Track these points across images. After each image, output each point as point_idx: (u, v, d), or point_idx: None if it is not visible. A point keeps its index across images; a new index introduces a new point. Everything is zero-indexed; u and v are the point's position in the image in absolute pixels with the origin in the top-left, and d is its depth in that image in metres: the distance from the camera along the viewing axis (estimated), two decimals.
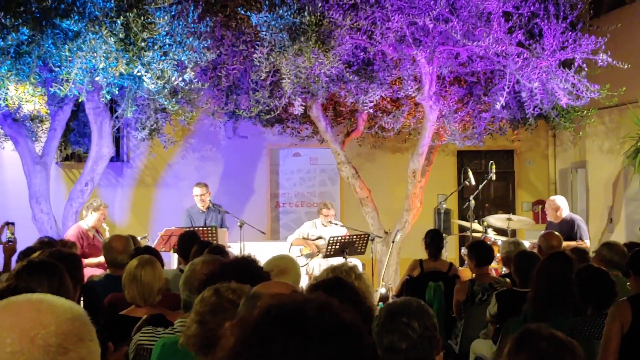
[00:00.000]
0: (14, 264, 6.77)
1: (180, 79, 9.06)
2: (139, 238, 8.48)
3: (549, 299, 5.65)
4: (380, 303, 8.34)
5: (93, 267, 8.90)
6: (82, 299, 6.31)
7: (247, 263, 3.55)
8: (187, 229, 9.14)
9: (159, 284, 5.01)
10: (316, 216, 11.84)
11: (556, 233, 8.61)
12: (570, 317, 5.45)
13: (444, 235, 9.40)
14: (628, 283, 5.70)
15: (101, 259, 9.07)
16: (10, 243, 6.80)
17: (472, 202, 11.12)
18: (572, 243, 9.71)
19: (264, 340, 1.58)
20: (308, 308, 1.62)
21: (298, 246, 11.33)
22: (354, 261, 10.09)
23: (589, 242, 10.29)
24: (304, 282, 9.28)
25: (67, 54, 8.52)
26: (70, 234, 9.58)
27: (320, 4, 9.39)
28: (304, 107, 10.82)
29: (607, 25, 10.91)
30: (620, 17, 12.09)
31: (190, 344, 3.13)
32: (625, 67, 9.73)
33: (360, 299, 3.35)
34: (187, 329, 3.15)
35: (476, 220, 11.53)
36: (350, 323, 1.64)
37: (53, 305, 1.70)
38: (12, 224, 6.95)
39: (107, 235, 9.76)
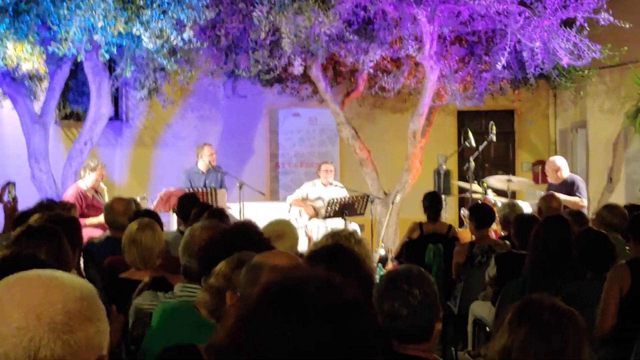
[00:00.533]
0: None
1: (179, 38, 9.00)
2: (137, 198, 8.46)
3: (547, 263, 5.65)
4: (380, 264, 8.36)
5: (93, 227, 8.90)
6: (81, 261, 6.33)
7: (247, 229, 3.54)
8: (187, 191, 9.14)
9: (159, 248, 5.01)
10: (316, 176, 11.82)
11: (556, 195, 8.60)
12: (569, 280, 5.45)
13: (443, 196, 9.39)
14: (627, 247, 5.70)
15: (101, 218, 9.06)
16: (11, 203, 6.81)
17: (472, 163, 11.09)
18: (571, 198, 9.71)
19: (261, 323, 1.56)
20: (308, 287, 1.59)
21: (297, 207, 11.31)
22: (353, 225, 10.11)
23: (586, 201, 10.27)
24: (303, 244, 9.32)
25: (66, 12, 8.46)
26: (68, 195, 9.57)
27: None
28: (303, 67, 10.77)
29: None
30: None
31: None
32: (627, 26, 9.67)
33: (361, 266, 3.34)
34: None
35: (476, 181, 11.51)
36: (353, 301, 1.61)
37: (62, 283, 1.69)
38: (13, 183, 6.95)
39: (106, 195, 9.77)
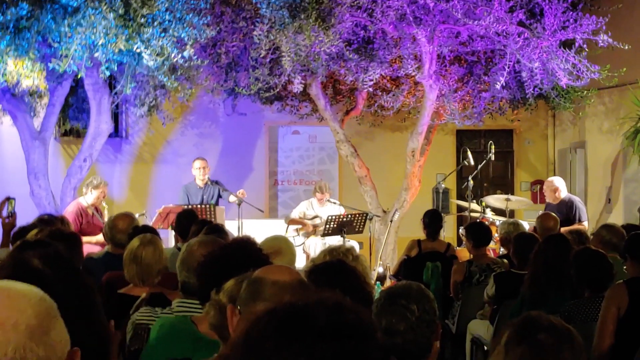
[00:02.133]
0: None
1: (180, 55, 9.04)
2: (136, 215, 8.46)
3: (546, 281, 5.67)
4: (378, 282, 8.36)
5: (91, 245, 8.88)
6: None
7: (246, 245, 3.54)
8: (185, 207, 9.14)
9: (159, 266, 5.00)
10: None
11: (552, 214, 8.61)
12: (568, 299, 5.46)
13: (442, 215, 9.40)
14: (625, 266, 5.71)
15: (99, 237, 9.06)
16: (9, 218, 6.81)
17: (471, 182, 11.11)
18: (572, 227, 9.71)
19: (270, 345, 1.53)
20: (319, 310, 1.56)
21: (294, 226, 11.30)
22: (351, 242, 10.10)
23: (587, 223, 10.28)
24: (301, 262, 9.31)
25: (67, 29, 8.50)
26: (69, 210, 9.56)
27: None
28: (303, 85, 10.80)
29: (607, 5, 10.89)
30: None
31: None
32: (626, 47, 9.71)
33: (361, 283, 3.35)
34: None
35: (474, 200, 11.53)
36: (364, 326, 1.58)
37: (20, 290, 1.71)
38: (13, 199, 6.96)
39: (106, 213, 9.75)
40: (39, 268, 3.09)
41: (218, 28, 10.07)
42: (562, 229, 9.14)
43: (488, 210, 11.01)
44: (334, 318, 1.56)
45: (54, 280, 1.87)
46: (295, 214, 11.47)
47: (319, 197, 11.34)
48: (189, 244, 4.14)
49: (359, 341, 1.55)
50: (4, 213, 6.81)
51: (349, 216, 10.50)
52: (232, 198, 10.82)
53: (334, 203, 11.42)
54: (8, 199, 6.92)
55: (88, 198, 9.68)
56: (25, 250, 4.08)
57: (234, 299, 2.97)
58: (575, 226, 9.80)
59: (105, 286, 5.60)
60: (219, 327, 2.78)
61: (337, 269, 3.46)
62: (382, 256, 10.58)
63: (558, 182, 10.53)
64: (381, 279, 8.83)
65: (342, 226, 10.21)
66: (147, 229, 6.24)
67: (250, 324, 1.60)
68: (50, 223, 6.77)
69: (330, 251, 4.37)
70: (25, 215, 7.83)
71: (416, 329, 3.21)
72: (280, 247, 5.03)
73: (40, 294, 1.72)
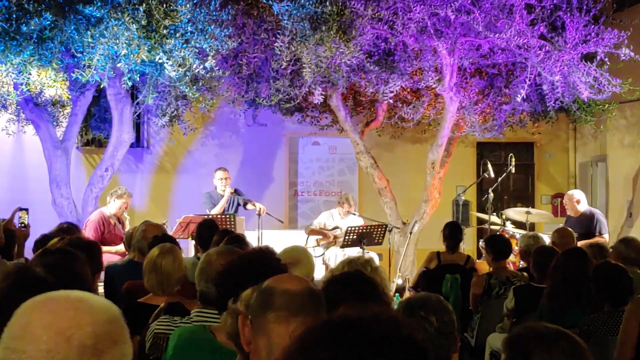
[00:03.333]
0: (26, 250, 6.85)
1: (202, 66, 9.08)
2: (160, 224, 8.49)
3: (564, 295, 5.65)
4: (397, 294, 8.35)
5: (111, 254, 8.93)
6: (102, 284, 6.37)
7: (264, 254, 3.56)
8: (206, 217, 9.17)
9: (179, 275, 5.03)
10: (334, 206, 11.84)
11: (569, 229, 8.57)
12: (587, 313, 5.43)
13: (462, 227, 9.38)
14: None
15: (119, 247, 9.12)
16: (23, 229, 6.84)
17: (491, 195, 11.09)
18: (592, 240, 9.68)
19: (324, 353, 1.53)
20: (375, 327, 1.56)
21: (315, 236, 11.31)
22: (370, 254, 10.09)
23: (607, 236, 10.23)
24: (320, 273, 9.31)
25: (90, 40, 8.56)
26: (91, 219, 9.63)
27: None
28: (323, 96, 10.82)
29: (630, 19, 10.83)
30: None
31: None
32: None
33: (378, 294, 3.35)
34: None
35: (495, 213, 11.49)
36: (416, 341, 1.58)
37: (91, 306, 1.70)
38: (26, 210, 6.98)
39: (128, 224, 9.80)
40: (41, 276, 3.13)
41: (240, 39, 10.13)
42: (582, 242, 9.12)
43: (508, 223, 10.97)
44: (390, 332, 1.56)
45: (56, 288, 1.86)
46: (315, 225, 11.49)
47: (345, 208, 11.35)
48: (207, 253, 4.17)
49: (412, 356, 1.55)
50: (16, 223, 6.83)
51: (369, 228, 10.50)
52: (250, 206, 10.86)
53: (354, 214, 11.42)
54: (20, 209, 6.94)
55: (111, 207, 9.74)
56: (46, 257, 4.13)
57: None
58: (596, 239, 9.76)
59: (125, 294, 5.64)
60: (235, 335, 2.79)
61: (355, 280, 3.47)
62: (401, 268, 10.56)
63: (579, 194, 10.50)
64: (400, 290, 8.82)
65: (361, 237, 10.21)
66: (167, 238, 6.28)
67: (306, 332, 1.60)
68: (70, 231, 6.83)
69: (349, 262, 4.37)
70: (48, 224, 7.89)
71: (434, 340, 3.20)
72: (299, 257, 5.04)
73: (111, 317, 1.71)
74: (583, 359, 2.65)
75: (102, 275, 6.44)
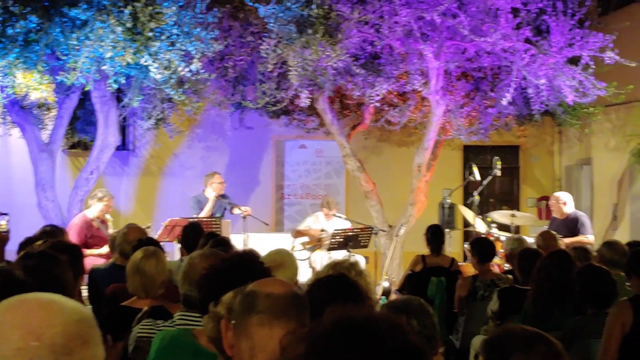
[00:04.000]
0: (8, 254, 6.79)
1: (187, 69, 9.08)
2: (143, 227, 8.47)
3: (549, 297, 5.66)
4: (383, 297, 8.36)
5: (94, 257, 8.89)
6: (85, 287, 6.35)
7: (247, 258, 3.55)
8: (191, 220, 9.14)
9: (162, 277, 5.01)
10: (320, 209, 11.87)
11: (553, 232, 8.61)
12: (571, 316, 5.45)
13: (447, 230, 9.40)
14: (628, 283, 5.70)
15: (102, 250, 9.09)
16: (4, 234, 6.78)
17: (477, 198, 11.13)
18: (575, 239, 9.72)
19: (335, 354, 1.54)
20: (379, 326, 1.59)
21: (301, 239, 11.31)
22: (356, 257, 10.10)
23: (593, 237, 10.28)
24: (306, 276, 9.31)
25: (75, 42, 8.55)
26: (74, 223, 9.59)
27: None
28: (310, 100, 10.83)
29: (614, 23, 10.91)
30: (628, 15, 12.04)
31: None
32: (633, 65, 9.72)
33: (362, 297, 3.35)
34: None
35: (480, 216, 11.53)
36: (419, 347, 1.60)
37: (61, 306, 1.71)
38: (6, 214, 6.93)
39: (111, 226, 9.76)
40: (21, 279, 3.14)
41: (226, 42, 10.13)
42: (567, 240, 9.17)
43: (493, 226, 11.01)
44: (397, 336, 1.58)
45: (36, 290, 1.88)
46: (301, 228, 11.50)
47: (325, 212, 11.37)
48: (190, 257, 4.15)
49: (412, 358, 1.57)
50: None
51: (355, 230, 10.50)
52: (236, 211, 10.85)
53: (340, 217, 11.42)
54: (0, 214, 6.89)
55: (93, 210, 9.69)
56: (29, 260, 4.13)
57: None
58: (581, 238, 9.81)
59: (109, 298, 5.62)
60: (217, 339, 2.79)
61: (338, 283, 3.47)
62: (387, 271, 10.57)
63: (565, 196, 10.55)
64: (386, 293, 8.84)
65: (347, 240, 10.21)
66: (150, 241, 6.26)
67: (315, 331, 1.62)
68: (53, 234, 6.80)
69: (334, 265, 4.37)
70: (33, 227, 7.85)
71: None
72: (283, 260, 5.03)
73: (82, 318, 1.72)
74: None
75: (86, 278, 6.42)
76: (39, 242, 5.56)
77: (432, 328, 3.27)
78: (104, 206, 9.70)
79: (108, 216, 9.87)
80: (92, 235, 9.46)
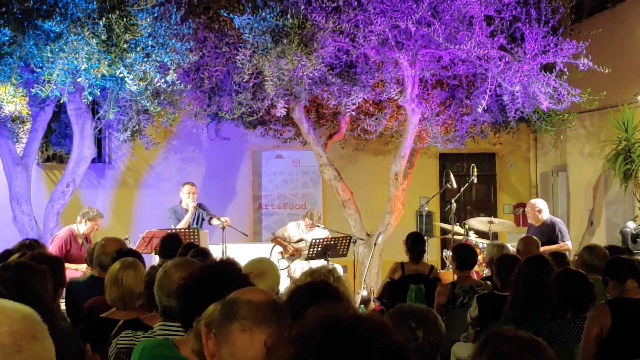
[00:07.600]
0: None
1: (163, 80, 9.05)
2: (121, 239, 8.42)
3: (527, 303, 5.69)
4: (362, 305, 8.35)
5: (72, 271, 8.83)
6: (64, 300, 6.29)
7: (226, 266, 3.53)
8: (169, 231, 9.11)
9: (141, 288, 4.98)
10: (298, 218, 11.85)
11: (534, 237, 8.65)
12: (550, 320, 5.47)
13: (425, 238, 9.41)
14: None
15: (82, 266, 9.04)
16: None
17: (454, 205, 11.16)
18: (554, 246, 9.77)
19: (326, 354, 1.56)
20: (364, 326, 1.61)
21: (278, 248, 11.31)
22: (335, 265, 10.09)
23: (570, 243, 10.34)
24: (286, 285, 9.29)
25: (49, 55, 8.49)
26: (59, 236, 9.54)
27: (303, 7, 9.41)
28: (286, 109, 10.83)
29: (588, 29, 10.99)
30: (601, 22, 12.17)
31: None
32: (606, 71, 9.79)
33: (344, 304, 3.34)
34: None
35: (458, 223, 11.57)
36: (404, 346, 1.62)
37: (3, 307, 1.72)
38: None
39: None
40: None
41: (201, 53, 10.11)
42: (545, 248, 9.21)
43: (471, 233, 11.04)
44: (384, 336, 1.60)
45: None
46: (280, 232, 11.50)
47: (306, 222, 11.38)
48: (164, 266, 4.05)
49: (400, 357, 1.59)
50: None
51: (333, 239, 10.49)
52: (215, 221, 10.82)
53: (319, 226, 11.42)
54: None
55: (81, 227, 9.64)
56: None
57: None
58: (559, 245, 9.87)
59: (87, 311, 5.58)
60: (201, 353, 2.79)
61: (320, 290, 3.46)
62: (366, 279, 10.58)
63: (541, 203, 10.61)
64: (365, 302, 8.83)
65: (326, 249, 10.20)
66: (130, 252, 6.22)
67: (300, 335, 1.62)
68: (32, 247, 6.75)
69: (312, 273, 4.37)
70: (9, 241, 7.80)
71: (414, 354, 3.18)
72: (265, 269, 5.00)
73: (25, 315, 1.73)
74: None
75: (64, 291, 6.37)
76: (16, 255, 5.51)
77: (435, 346, 3.28)
78: (92, 225, 9.68)
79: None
80: (74, 250, 9.40)
